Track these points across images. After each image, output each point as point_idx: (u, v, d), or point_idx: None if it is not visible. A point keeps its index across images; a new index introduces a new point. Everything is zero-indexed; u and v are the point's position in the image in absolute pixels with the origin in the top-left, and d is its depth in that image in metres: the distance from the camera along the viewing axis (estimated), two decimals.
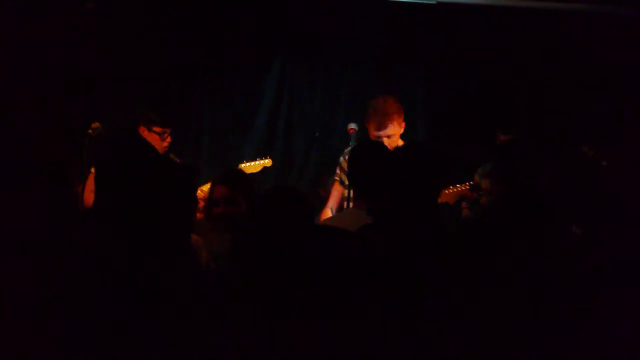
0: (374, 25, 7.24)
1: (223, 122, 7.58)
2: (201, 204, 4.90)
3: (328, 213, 5.56)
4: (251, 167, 6.46)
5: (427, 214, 3.43)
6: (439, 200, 3.95)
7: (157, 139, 6.08)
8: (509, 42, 7.08)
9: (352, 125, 5.88)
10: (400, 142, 5.56)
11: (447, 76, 7.47)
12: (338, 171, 5.77)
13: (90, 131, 5.84)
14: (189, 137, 7.49)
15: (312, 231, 3.40)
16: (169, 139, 6.18)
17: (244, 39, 7.40)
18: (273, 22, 7.35)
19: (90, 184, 6.01)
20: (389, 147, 5.16)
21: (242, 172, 5.21)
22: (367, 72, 7.56)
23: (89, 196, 5.99)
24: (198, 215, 4.76)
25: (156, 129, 6.11)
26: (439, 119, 7.44)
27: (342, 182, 5.63)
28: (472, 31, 7.12)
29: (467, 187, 6.05)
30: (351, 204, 4.90)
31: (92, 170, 6.00)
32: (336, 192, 5.71)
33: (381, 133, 5.53)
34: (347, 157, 5.42)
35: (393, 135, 5.55)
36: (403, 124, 5.65)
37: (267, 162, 6.52)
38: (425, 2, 6.70)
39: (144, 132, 6.10)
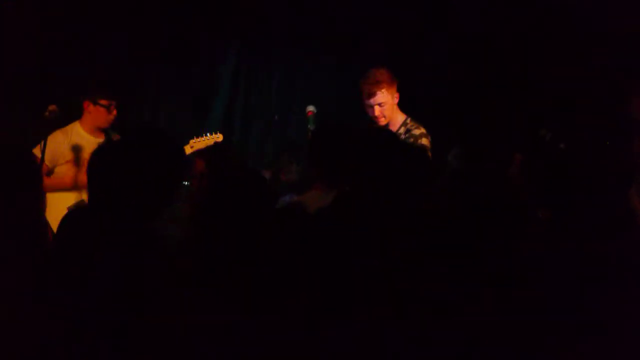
0: (330, 7, 7.22)
1: (179, 109, 7.52)
2: None
3: None
4: (201, 142, 6.41)
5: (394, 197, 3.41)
6: None
7: (104, 112, 6.00)
8: (475, 22, 7.11)
9: (310, 108, 5.86)
10: (397, 113, 5.68)
11: (409, 59, 7.45)
12: None
13: (47, 114, 5.71)
14: (144, 118, 7.41)
15: (271, 212, 3.39)
16: (114, 112, 6.07)
17: (199, 24, 7.34)
18: (229, 7, 7.29)
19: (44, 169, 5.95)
20: (382, 115, 5.54)
21: (220, 147, 5.17)
22: (324, 55, 7.54)
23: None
24: None
25: (102, 101, 6.00)
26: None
27: None
28: (429, 9, 7.12)
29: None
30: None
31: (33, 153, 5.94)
32: None
33: (371, 101, 5.65)
34: None
35: (384, 103, 5.65)
36: (397, 95, 5.75)
37: (218, 136, 6.47)
38: None
39: (90, 107, 6.00)
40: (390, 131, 3.91)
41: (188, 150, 6.32)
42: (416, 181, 3.40)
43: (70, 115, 6.12)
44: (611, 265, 3.29)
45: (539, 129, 5.82)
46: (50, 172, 6.02)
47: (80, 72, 6.87)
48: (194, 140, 6.41)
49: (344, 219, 3.32)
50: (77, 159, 5.99)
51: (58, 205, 5.84)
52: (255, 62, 7.67)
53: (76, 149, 6.00)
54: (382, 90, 5.67)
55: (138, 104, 7.30)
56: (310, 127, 5.65)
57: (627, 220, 3.62)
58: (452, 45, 7.27)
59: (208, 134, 6.46)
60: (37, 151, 5.77)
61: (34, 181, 3.27)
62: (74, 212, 3.23)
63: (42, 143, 5.57)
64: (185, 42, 7.43)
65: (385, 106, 5.66)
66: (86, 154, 5.84)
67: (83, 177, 5.69)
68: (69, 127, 6.09)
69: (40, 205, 3.51)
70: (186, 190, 6.22)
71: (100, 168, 3.07)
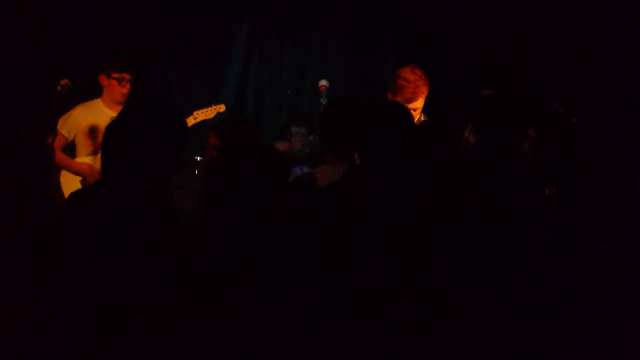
0: None
1: (192, 86, 7.53)
2: None
3: None
4: (204, 113, 6.43)
5: (402, 172, 3.40)
6: None
7: (116, 85, 6.02)
8: (483, 3, 7.09)
9: (323, 82, 5.83)
10: (422, 117, 5.48)
11: (421, 39, 7.42)
12: None
13: (59, 88, 5.74)
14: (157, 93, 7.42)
15: (284, 187, 3.42)
16: (128, 85, 6.09)
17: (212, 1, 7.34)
18: None
19: (57, 141, 5.99)
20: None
21: (234, 122, 5.19)
22: (336, 33, 7.53)
23: (58, 154, 5.97)
24: None
25: (114, 74, 6.03)
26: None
27: None
28: None
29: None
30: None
31: (58, 127, 5.99)
32: None
33: (410, 105, 5.23)
34: None
35: (419, 109, 5.39)
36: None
37: (221, 107, 6.48)
38: None
39: (105, 81, 6.04)
40: (402, 106, 3.86)
41: (191, 121, 6.33)
42: (426, 155, 3.40)
43: (86, 90, 6.14)
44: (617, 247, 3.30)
45: (552, 102, 5.81)
46: (69, 144, 6.12)
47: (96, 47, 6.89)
48: (197, 112, 6.43)
49: (354, 194, 3.34)
50: (94, 132, 6.04)
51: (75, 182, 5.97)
52: (267, 37, 7.63)
53: (94, 123, 6.05)
54: (423, 97, 5.40)
55: (152, 79, 7.27)
56: (323, 101, 5.63)
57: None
58: (467, 20, 7.24)
59: (213, 105, 6.47)
60: (59, 124, 5.97)
61: (42, 172, 3.30)
62: (84, 188, 3.27)
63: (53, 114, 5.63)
64: (198, 18, 7.39)
65: (418, 110, 5.40)
66: (102, 128, 5.90)
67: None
68: (91, 102, 6.16)
69: (49, 193, 3.53)
70: (199, 164, 6.26)
71: (107, 141, 3.14)
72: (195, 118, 6.42)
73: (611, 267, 3.28)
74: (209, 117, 6.42)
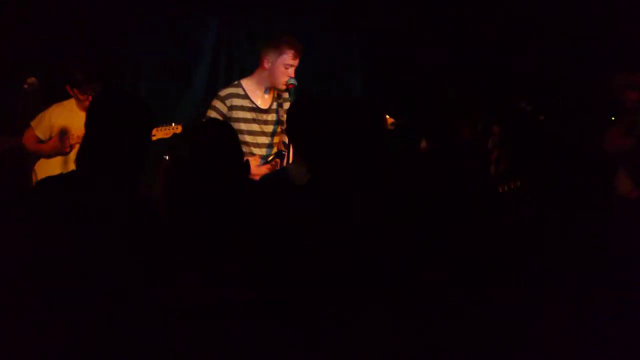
0: None
1: (160, 79, 7.48)
2: None
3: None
4: (162, 131, 6.43)
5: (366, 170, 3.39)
6: None
7: (80, 97, 5.97)
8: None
9: (291, 81, 5.85)
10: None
11: (387, 36, 7.45)
12: (214, 113, 5.95)
13: (25, 86, 5.73)
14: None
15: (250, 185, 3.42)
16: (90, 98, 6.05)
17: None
18: None
19: (28, 140, 5.97)
20: None
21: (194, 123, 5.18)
22: (306, 26, 7.52)
23: (30, 145, 6.02)
24: None
25: (77, 91, 5.98)
26: (378, 78, 7.44)
27: None
28: None
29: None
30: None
31: (31, 124, 5.97)
32: None
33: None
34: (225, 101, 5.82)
35: None
36: None
37: (178, 128, 6.46)
38: None
39: (70, 91, 6.01)
40: (364, 101, 3.85)
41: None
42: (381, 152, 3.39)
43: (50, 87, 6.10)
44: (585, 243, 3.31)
45: (519, 100, 5.84)
46: (42, 142, 6.09)
47: (62, 46, 6.84)
48: (156, 129, 6.41)
49: (318, 197, 3.32)
50: (65, 134, 6.01)
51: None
52: (236, 37, 7.60)
53: (66, 125, 6.04)
54: None
55: (120, 76, 7.23)
56: (291, 99, 5.65)
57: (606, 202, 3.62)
58: (433, 20, 7.28)
59: (173, 124, 6.43)
60: (34, 123, 6.02)
61: None
62: (55, 176, 3.30)
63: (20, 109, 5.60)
64: (167, 16, 7.36)
65: None
66: (74, 129, 5.92)
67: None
68: (66, 103, 6.14)
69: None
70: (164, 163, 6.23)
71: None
72: (154, 135, 6.39)
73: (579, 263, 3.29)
74: (166, 136, 6.39)
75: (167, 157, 6.31)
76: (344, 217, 3.18)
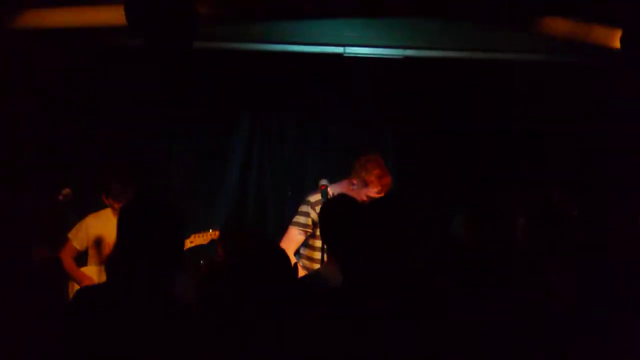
0: (341, 84, 7.29)
1: (193, 182, 7.55)
2: None
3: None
4: (200, 237, 6.49)
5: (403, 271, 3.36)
6: None
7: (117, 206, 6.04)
8: (479, 92, 7.19)
9: (324, 182, 5.87)
10: None
11: (417, 133, 7.53)
12: (303, 219, 5.90)
13: (60, 197, 5.81)
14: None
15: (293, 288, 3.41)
16: None
17: (211, 97, 7.41)
18: (241, 80, 7.37)
19: (67, 251, 6.03)
20: None
21: (229, 228, 5.22)
22: (336, 128, 7.60)
23: (67, 262, 6.08)
24: None
25: (112, 201, 6.08)
26: (410, 174, 7.47)
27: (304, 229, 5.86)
28: (440, 82, 7.20)
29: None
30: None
31: (69, 237, 6.03)
32: (299, 238, 5.90)
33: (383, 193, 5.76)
34: (315, 208, 5.73)
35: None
36: None
37: (216, 233, 6.50)
38: (393, 57, 6.72)
39: (106, 201, 6.11)
40: (395, 201, 3.84)
41: (187, 244, 6.40)
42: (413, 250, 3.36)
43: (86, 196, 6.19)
44: None
45: (551, 193, 5.82)
46: (80, 253, 6.21)
47: (96, 153, 6.95)
48: (194, 235, 6.48)
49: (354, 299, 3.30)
50: (101, 243, 6.08)
51: None
52: (268, 137, 7.68)
53: (102, 234, 6.11)
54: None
55: (152, 175, 7.32)
56: (323, 200, 5.66)
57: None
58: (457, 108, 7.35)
59: (210, 230, 6.49)
60: (71, 235, 6.13)
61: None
62: (91, 286, 3.32)
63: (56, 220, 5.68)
64: (198, 114, 7.47)
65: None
66: (110, 238, 6.02)
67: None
68: (101, 212, 6.23)
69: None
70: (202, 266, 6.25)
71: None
72: (191, 242, 6.47)
73: None
74: (204, 242, 6.49)
75: (202, 262, 6.35)
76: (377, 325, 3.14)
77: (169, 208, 3.31)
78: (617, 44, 5.72)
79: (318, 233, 5.01)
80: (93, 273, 6.10)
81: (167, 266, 3.20)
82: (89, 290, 3.31)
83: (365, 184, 5.85)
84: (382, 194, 5.76)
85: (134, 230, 3.19)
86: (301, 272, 5.57)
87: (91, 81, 6.90)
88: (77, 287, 6.04)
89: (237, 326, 3.15)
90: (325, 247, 4.72)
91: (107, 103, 7.06)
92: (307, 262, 5.94)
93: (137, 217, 3.24)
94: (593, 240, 3.84)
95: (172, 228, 3.24)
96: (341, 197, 4.71)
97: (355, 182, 5.92)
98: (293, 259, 5.72)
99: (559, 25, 6.00)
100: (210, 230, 6.46)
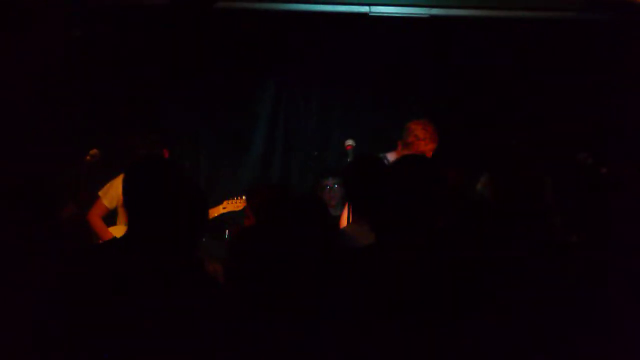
0: (365, 43, 7.25)
1: (219, 144, 7.58)
2: None
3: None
4: (233, 204, 6.53)
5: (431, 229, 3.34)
6: None
7: None
8: (506, 51, 7.13)
9: (350, 142, 5.86)
10: None
11: (442, 90, 7.48)
12: None
13: (88, 157, 5.85)
14: (185, 160, 7.47)
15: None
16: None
17: (238, 61, 7.40)
18: (267, 43, 7.35)
19: (96, 210, 6.07)
20: None
21: (254, 190, 5.21)
22: (362, 89, 7.57)
23: (96, 221, 6.14)
24: None
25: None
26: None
27: None
28: (467, 42, 7.15)
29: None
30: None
31: (100, 195, 6.09)
32: None
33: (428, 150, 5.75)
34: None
35: None
36: None
37: None
38: (418, 15, 6.67)
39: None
40: (420, 160, 3.80)
41: (220, 210, 6.52)
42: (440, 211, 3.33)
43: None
44: None
45: (577, 152, 5.78)
46: (110, 212, 6.28)
47: (122, 114, 6.99)
48: (227, 202, 6.55)
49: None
50: None
51: None
52: (293, 98, 7.67)
53: None
54: (431, 152, 5.81)
55: (180, 141, 7.36)
56: (350, 160, 5.66)
57: None
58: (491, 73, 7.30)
59: (244, 197, 6.50)
60: (102, 193, 6.21)
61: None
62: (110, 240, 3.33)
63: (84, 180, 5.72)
64: (224, 80, 7.47)
65: None
66: None
67: None
68: None
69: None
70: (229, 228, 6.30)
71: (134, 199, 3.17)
72: (224, 207, 6.52)
73: None
74: (237, 209, 6.57)
75: (228, 228, 6.40)
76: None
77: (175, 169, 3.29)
78: None
79: None
80: (121, 232, 6.15)
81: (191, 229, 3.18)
82: (113, 242, 3.30)
83: (408, 147, 5.83)
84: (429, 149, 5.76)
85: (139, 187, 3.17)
86: None
87: (115, 43, 6.91)
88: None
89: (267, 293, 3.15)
90: (350, 206, 4.73)
91: (131, 66, 7.07)
92: None
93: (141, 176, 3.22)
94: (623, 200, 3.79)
95: (178, 188, 3.21)
96: (365, 157, 4.69)
97: (400, 145, 5.91)
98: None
99: None
100: (244, 197, 6.49)
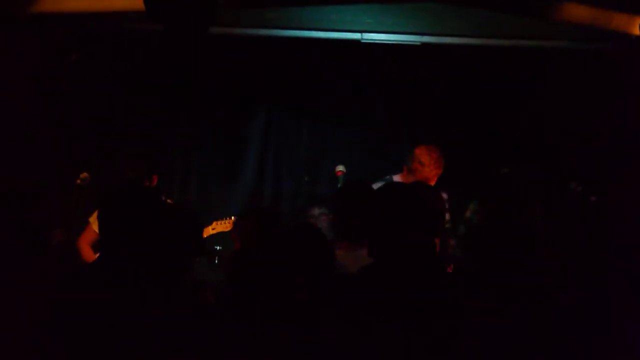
0: (356, 70, 7.27)
1: (210, 170, 7.57)
2: None
3: None
4: (222, 225, 6.52)
5: (426, 252, 3.33)
6: None
7: None
8: (497, 80, 7.16)
9: (340, 168, 5.87)
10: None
11: (432, 116, 7.48)
12: None
13: (78, 181, 5.82)
14: (176, 185, 7.46)
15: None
16: None
17: (229, 87, 7.41)
18: (258, 70, 7.36)
19: (86, 237, 6.03)
20: None
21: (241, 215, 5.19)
22: (351, 116, 7.58)
23: (84, 248, 6.06)
24: None
25: None
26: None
27: None
28: (458, 70, 7.17)
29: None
30: None
31: (90, 222, 6.06)
32: None
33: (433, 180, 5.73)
34: None
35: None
36: None
37: None
38: (410, 42, 6.69)
39: None
40: (409, 187, 3.80)
41: (209, 231, 6.46)
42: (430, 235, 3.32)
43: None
44: None
45: (569, 181, 5.79)
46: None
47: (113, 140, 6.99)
48: (216, 222, 6.52)
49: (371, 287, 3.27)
50: None
51: None
52: (284, 124, 7.67)
53: None
54: (436, 178, 5.77)
55: (170, 165, 7.36)
56: (340, 186, 5.65)
57: None
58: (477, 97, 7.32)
59: (233, 217, 6.49)
60: (92, 219, 6.06)
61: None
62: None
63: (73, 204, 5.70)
64: (215, 106, 7.49)
65: None
66: None
67: None
68: None
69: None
70: (219, 253, 6.26)
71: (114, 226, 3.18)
72: (213, 229, 6.49)
73: None
74: (226, 229, 6.51)
75: (218, 248, 6.37)
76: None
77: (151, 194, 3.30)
78: (636, 31, 5.70)
79: None
80: None
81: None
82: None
83: (413, 173, 5.80)
84: (431, 183, 5.69)
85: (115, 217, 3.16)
86: None
87: (108, 67, 6.92)
88: None
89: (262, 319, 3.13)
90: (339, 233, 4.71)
91: (124, 89, 7.08)
92: None
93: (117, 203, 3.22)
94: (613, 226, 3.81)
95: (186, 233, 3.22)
96: (354, 183, 4.69)
97: (405, 170, 5.90)
98: None
99: (579, 12, 5.95)
100: (233, 218, 6.48)
